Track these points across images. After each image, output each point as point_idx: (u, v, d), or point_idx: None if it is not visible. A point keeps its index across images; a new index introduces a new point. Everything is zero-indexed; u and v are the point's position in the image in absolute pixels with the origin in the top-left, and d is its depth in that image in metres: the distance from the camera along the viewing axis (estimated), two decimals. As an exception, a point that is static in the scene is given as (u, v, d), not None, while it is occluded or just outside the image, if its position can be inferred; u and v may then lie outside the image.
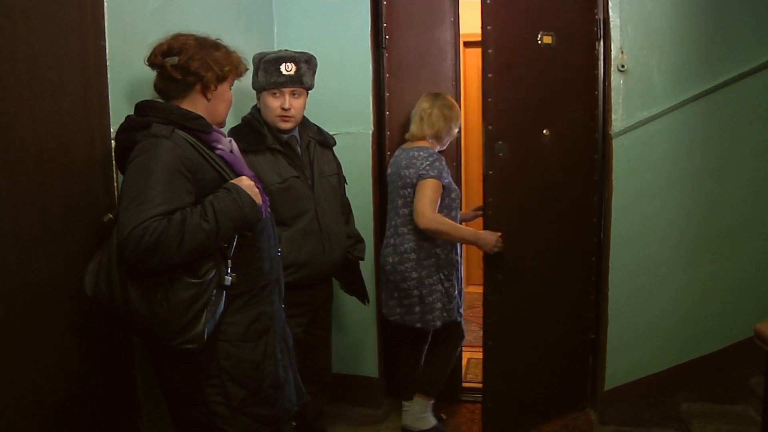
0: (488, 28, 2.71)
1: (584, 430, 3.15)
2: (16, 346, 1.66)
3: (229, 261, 1.78)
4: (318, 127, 2.70)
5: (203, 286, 1.70)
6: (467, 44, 5.12)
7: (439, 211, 2.92)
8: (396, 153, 3.13)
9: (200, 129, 1.83)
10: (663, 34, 2.91)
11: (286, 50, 2.50)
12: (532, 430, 3.17)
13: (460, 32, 3.32)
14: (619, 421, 3.13)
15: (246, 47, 2.59)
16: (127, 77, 2.13)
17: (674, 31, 2.89)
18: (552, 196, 3.06)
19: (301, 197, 2.50)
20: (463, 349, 3.57)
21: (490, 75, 2.80)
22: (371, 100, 3.23)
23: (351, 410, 3.41)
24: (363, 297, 2.89)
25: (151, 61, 1.89)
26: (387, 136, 3.34)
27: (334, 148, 2.77)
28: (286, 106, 2.45)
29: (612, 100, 2.97)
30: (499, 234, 2.85)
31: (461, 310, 3.18)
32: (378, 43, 3.26)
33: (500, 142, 2.71)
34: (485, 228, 2.88)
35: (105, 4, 2.04)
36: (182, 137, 1.76)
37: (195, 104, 1.88)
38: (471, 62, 5.36)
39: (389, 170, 3.13)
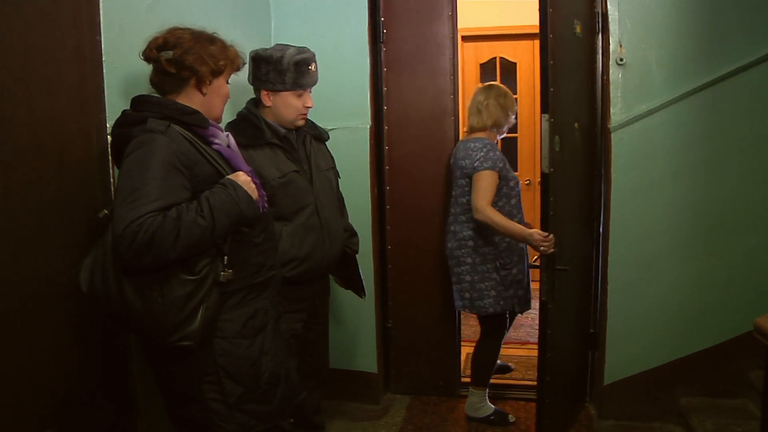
0: (550, 10, 2.51)
1: (584, 424, 3.15)
2: (13, 345, 1.66)
3: (225, 257, 1.77)
4: (311, 122, 2.69)
5: (199, 283, 1.70)
6: (465, 38, 5.14)
7: (498, 200, 2.99)
8: (457, 144, 3.19)
9: (196, 124, 1.81)
10: (662, 28, 2.90)
11: (304, 48, 2.48)
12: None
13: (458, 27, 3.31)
14: (619, 415, 3.13)
15: (243, 42, 2.56)
16: (123, 72, 2.12)
17: (673, 24, 2.88)
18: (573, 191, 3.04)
19: (301, 192, 2.48)
20: (462, 343, 3.58)
21: (552, 62, 2.54)
22: (369, 94, 3.22)
23: (349, 405, 3.41)
24: (360, 290, 2.87)
25: (146, 55, 1.87)
26: (385, 130, 3.34)
27: (326, 143, 2.76)
28: (310, 104, 2.48)
29: (611, 94, 2.96)
30: (547, 234, 2.62)
31: (528, 300, 3.21)
32: (376, 37, 3.25)
33: (557, 137, 2.63)
34: (545, 228, 2.64)
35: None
36: (178, 132, 1.74)
37: (191, 99, 1.86)
38: (468, 57, 5.37)
39: (450, 161, 3.19)
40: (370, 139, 3.24)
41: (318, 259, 2.53)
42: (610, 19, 2.92)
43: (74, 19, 1.92)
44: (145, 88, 1.94)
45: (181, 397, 1.84)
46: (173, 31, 1.88)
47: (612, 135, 2.97)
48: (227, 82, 1.95)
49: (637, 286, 3.06)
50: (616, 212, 3.03)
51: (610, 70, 2.95)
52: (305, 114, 2.50)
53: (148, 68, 1.96)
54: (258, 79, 2.46)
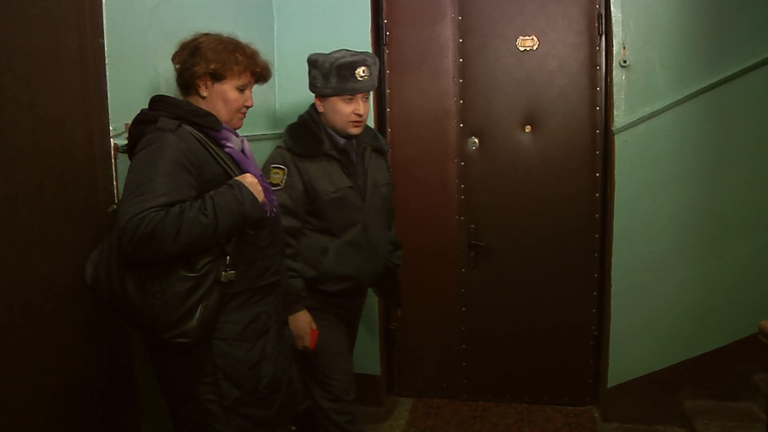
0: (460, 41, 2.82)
1: (587, 427, 3.14)
2: (16, 345, 1.66)
3: (228, 258, 1.77)
4: (374, 132, 2.63)
5: (199, 281, 1.70)
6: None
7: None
8: None
9: (209, 126, 1.82)
10: (665, 29, 2.89)
11: (356, 52, 2.41)
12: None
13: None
14: (623, 418, 3.13)
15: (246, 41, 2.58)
16: (126, 75, 2.12)
17: (676, 25, 2.87)
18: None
19: (352, 209, 2.44)
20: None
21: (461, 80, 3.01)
22: (372, 97, 3.20)
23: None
24: (396, 304, 2.85)
25: (172, 59, 1.94)
26: (388, 133, 3.33)
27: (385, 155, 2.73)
28: (361, 111, 2.39)
29: (614, 96, 2.96)
30: None
31: None
32: (378, 39, 3.25)
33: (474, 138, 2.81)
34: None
35: (103, 1, 2.03)
36: (189, 132, 1.76)
37: (197, 102, 1.89)
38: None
39: None
40: (374, 142, 3.24)
41: (361, 276, 2.52)
42: (613, 21, 2.91)
43: (77, 22, 1.92)
44: (147, 91, 1.97)
45: (180, 396, 1.85)
46: (195, 36, 1.92)
47: (616, 137, 2.97)
48: (240, 90, 1.92)
49: (642, 289, 3.05)
50: (620, 214, 3.02)
51: (614, 72, 2.95)
52: (358, 122, 2.40)
53: (150, 71, 1.97)
54: (310, 84, 2.44)
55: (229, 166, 1.83)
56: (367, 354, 3.41)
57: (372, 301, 3.30)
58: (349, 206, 2.42)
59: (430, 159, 3.34)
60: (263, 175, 1.96)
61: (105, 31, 2.04)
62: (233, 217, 1.73)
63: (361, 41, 3.18)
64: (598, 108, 3.09)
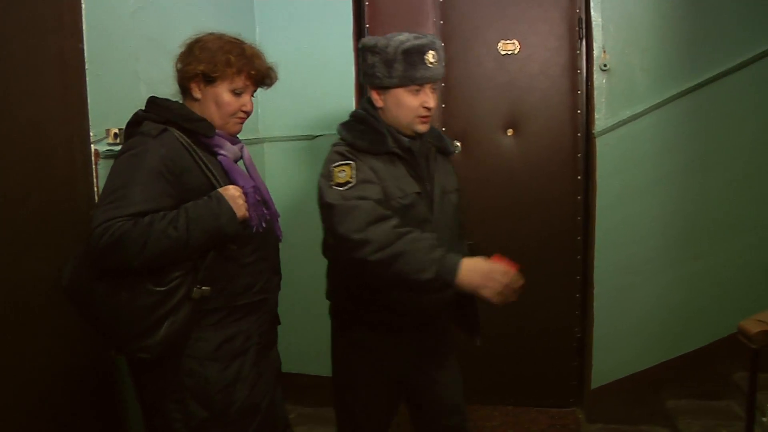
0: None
1: (572, 428, 3.15)
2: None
3: (201, 273, 1.70)
4: (438, 131, 2.23)
5: (166, 295, 1.63)
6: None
7: None
8: None
9: (199, 131, 1.75)
10: (645, 33, 2.92)
11: (419, 34, 1.99)
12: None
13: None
14: (607, 419, 3.15)
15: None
16: (106, 79, 2.10)
17: (656, 29, 2.90)
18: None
19: (419, 219, 1.99)
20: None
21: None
22: (354, 101, 3.20)
23: (330, 413, 3.37)
24: (474, 332, 2.23)
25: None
26: (370, 137, 3.32)
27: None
28: (431, 104, 1.98)
29: (595, 100, 2.98)
30: None
31: None
32: (360, 44, 3.24)
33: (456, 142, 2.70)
34: None
35: (83, 5, 2.02)
36: (175, 138, 1.70)
37: (192, 104, 1.82)
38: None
39: None
40: (356, 146, 3.22)
41: (431, 301, 2.04)
42: (593, 25, 2.94)
43: (56, 27, 1.91)
44: (128, 96, 1.94)
45: (150, 408, 1.80)
46: (198, 35, 1.85)
47: (597, 140, 2.99)
48: (235, 93, 1.81)
49: (624, 290, 3.07)
50: (602, 217, 3.04)
51: (594, 76, 2.97)
52: (426, 117, 2.00)
53: (131, 76, 1.94)
54: (365, 74, 2.04)
55: (214, 176, 1.74)
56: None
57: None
58: (416, 216, 1.99)
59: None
60: (257, 188, 1.84)
61: (85, 36, 2.03)
62: (207, 231, 1.65)
63: (344, 46, 3.17)
64: (579, 111, 3.11)
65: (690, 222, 2.98)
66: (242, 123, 1.88)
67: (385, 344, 2.06)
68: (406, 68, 1.92)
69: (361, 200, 1.84)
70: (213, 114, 1.80)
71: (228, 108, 1.81)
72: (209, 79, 1.77)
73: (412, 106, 1.96)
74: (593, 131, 3.00)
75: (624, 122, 2.95)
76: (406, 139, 2.02)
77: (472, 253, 2.05)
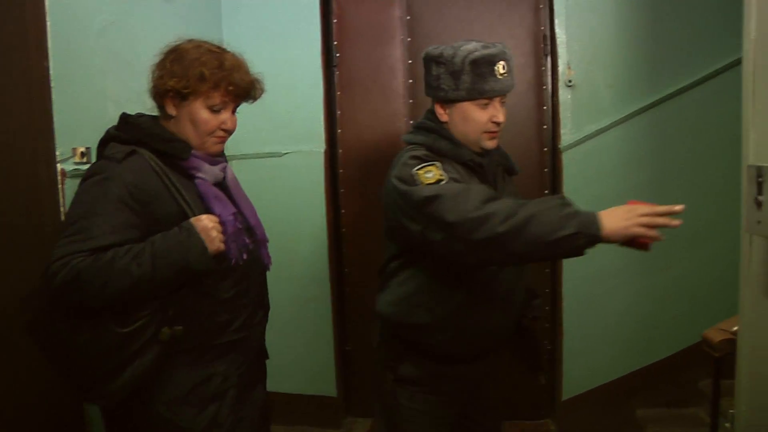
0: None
1: (544, 440, 3.18)
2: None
3: (171, 312, 1.55)
4: (503, 150, 2.03)
5: (129, 338, 1.48)
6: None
7: None
8: None
9: (172, 153, 1.59)
10: (608, 50, 2.99)
11: (488, 43, 1.82)
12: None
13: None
14: (579, 429, 3.16)
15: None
16: (73, 98, 2.08)
17: (619, 46, 2.97)
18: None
19: None
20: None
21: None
22: (323, 118, 3.21)
23: (310, 431, 3.35)
24: (536, 368, 2.11)
25: None
26: (339, 154, 3.33)
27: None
28: (501, 119, 1.82)
29: (561, 115, 3.04)
30: None
31: None
32: (329, 60, 3.25)
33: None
34: None
35: (48, 23, 1.99)
36: (144, 161, 1.55)
37: (168, 122, 1.66)
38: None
39: None
40: (325, 163, 3.23)
41: (491, 333, 1.90)
42: (558, 42, 3.00)
43: (21, 45, 1.88)
44: (94, 115, 1.90)
45: None
46: (176, 42, 1.71)
47: (563, 155, 3.04)
48: (213, 110, 1.64)
49: (593, 302, 3.11)
50: (570, 230, 3.08)
51: (560, 92, 3.03)
52: (495, 132, 1.84)
53: (98, 94, 1.90)
54: (429, 86, 1.89)
55: (188, 203, 1.57)
56: (324, 376, 3.38)
57: (327, 322, 3.28)
58: None
59: (383, 180, 3.32)
60: (238, 215, 1.69)
61: (50, 55, 2.00)
62: (174, 268, 1.49)
63: (312, 62, 3.18)
64: (545, 126, 3.16)
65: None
66: (223, 142, 1.72)
67: (447, 377, 1.88)
68: (475, 80, 1.77)
69: (465, 185, 1.65)
70: (189, 133, 1.64)
71: (205, 126, 1.64)
72: (182, 95, 1.61)
73: (480, 120, 1.81)
74: (559, 146, 3.04)
75: (589, 137, 3.01)
76: (478, 158, 1.86)
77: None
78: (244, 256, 1.66)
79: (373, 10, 3.26)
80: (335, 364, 3.37)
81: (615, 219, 1.57)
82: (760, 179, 1.32)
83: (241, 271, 1.68)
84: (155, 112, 1.70)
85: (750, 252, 1.53)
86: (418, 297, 1.83)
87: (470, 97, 1.79)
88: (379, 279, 2.00)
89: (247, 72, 1.70)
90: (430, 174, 1.70)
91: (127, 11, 2.40)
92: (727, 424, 1.69)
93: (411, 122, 3.24)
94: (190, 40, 1.69)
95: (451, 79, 1.79)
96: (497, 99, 1.81)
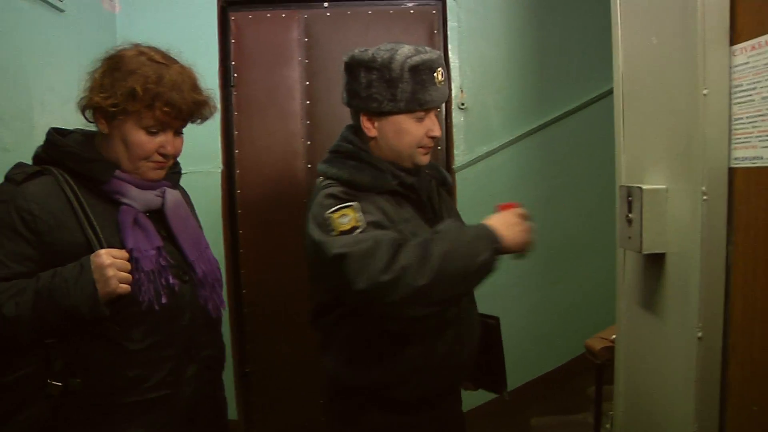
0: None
1: (444, 454, 3.22)
2: None
3: (61, 361, 1.32)
4: (432, 162, 1.78)
5: (7, 391, 1.28)
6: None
7: None
8: None
9: (89, 175, 1.39)
10: (498, 75, 3.14)
11: (419, 47, 1.59)
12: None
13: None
14: (476, 441, 3.25)
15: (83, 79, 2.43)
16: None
17: (508, 71, 3.13)
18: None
19: None
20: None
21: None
22: (220, 138, 3.18)
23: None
24: (499, 385, 1.88)
25: None
26: (237, 174, 3.30)
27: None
28: (437, 133, 1.61)
29: (454, 137, 3.15)
30: None
31: None
32: (226, 81, 3.23)
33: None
34: None
35: None
36: (52, 183, 1.36)
37: (102, 141, 1.45)
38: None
39: None
40: (223, 183, 3.20)
41: (453, 365, 1.66)
42: (451, 66, 3.12)
43: None
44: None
45: None
46: (117, 48, 1.49)
47: (456, 175, 3.15)
48: (149, 132, 1.43)
49: (488, 317, 3.21)
50: (465, 247, 3.18)
51: (453, 114, 3.14)
52: (429, 148, 1.63)
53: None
54: (355, 96, 1.61)
55: (96, 234, 1.35)
56: (223, 400, 3.29)
57: (225, 344, 3.21)
58: None
59: (281, 200, 3.34)
60: (167, 249, 1.47)
61: None
62: (57, 311, 1.27)
63: (209, 82, 3.09)
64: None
65: (547, 249, 3.19)
66: (162, 168, 1.49)
67: (412, 427, 1.65)
68: (415, 89, 1.53)
69: (376, 234, 1.45)
70: (121, 155, 1.43)
71: (138, 150, 1.42)
72: (109, 114, 1.40)
73: (416, 135, 1.58)
74: (453, 166, 3.15)
75: (481, 158, 3.13)
76: (403, 174, 1.62)
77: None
78: (163, 300, 1.40)
79: (272, 32, 3.27)
80: (234, 386, 3.31)
81: (505, 227, 1.50)
82: (630, 198, 1.43)
83: (161, 318, 1.42)
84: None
85: (624, 265, 1.64)
86: (371, 353, 1.61)
87: (409, 109, 1.55)
88: (316, 330, 1.75)
89: (191, 89, 1.49)
90: (346, 219, 1.49)
91: (13, 22, 2.29)
92: (608, 425, 1.79)
93: (308, 143, 3.27)
94: (135, 45, 1.47)
95: (387, 87, 1.53)
96: (432, 111, 1.61)
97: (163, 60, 1.46)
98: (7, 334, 1.26)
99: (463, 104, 3.12)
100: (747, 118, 1.15)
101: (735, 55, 1.18)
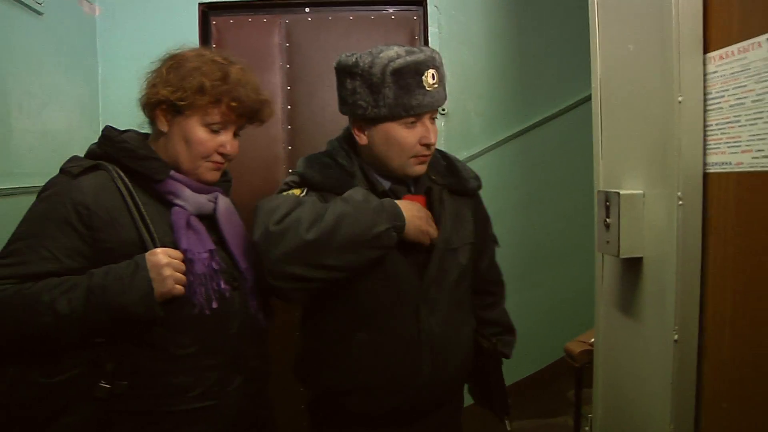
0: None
1: (426, 458, 3.23)
2: None
3: (112, 364, 1.28)
4: (448, 161, 1.70)
5: (55, 390, 1.23)
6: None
7: None
8: None
9: (144, 173, 1.37)
10: (479, 81, 3.17)
11: (412, 48, 1.49)
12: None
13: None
14: (456, 446, 3.26)
15: (68, 87, 2.43)
16: None
17: (488, 78, 3.17)
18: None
19: (392, 281, 1.52)
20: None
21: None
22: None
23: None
24: (502, 410, 1.86)
25: None
26: (219, 179, 3.28)
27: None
28: (432, 140, 1.50)
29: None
30: None
31: None
32: (207, 85, 3.22)
33: None
34: None
35: None
36: (107, 178, 1.34)
37: (158, 141, 1.44)
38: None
39: None
40: (206, 189, 3.18)
41: (405, 388, 1.55)
42: (432, 72, 3.13)
43: None
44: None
45: None
46: (180, 49, 1.48)
47: (438, 179, 3.16)
48: (211, 130, 1.42)
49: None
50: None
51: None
52: (425, 156, 1.53)
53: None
54: (344, 102, 1.55)
55: (150, 233, 1.32)
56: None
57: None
58: (386, 278, 1.52)
59: (263, 204, 3.33)
60: (219, 253, 1.44)
61: None
62: (109, 310, 1.23)
63: (189, 87, 3.13)
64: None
65: (528, 253, 3.22)
66: (219, 170, 1.48)
67: None
68: (399, 94, 1.44)
69: (302, 199, 1.45)
70: (180, 154, 1.41)
71: (199, 148, 1.41)
72: (176, 109, 1.39)
73: (407, 143, 1.48)
74: (434, 171, 3.16)
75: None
76: (387, 183, 1.56)
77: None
78: (214, 305, 1.37)
79: (253, 37, 3.27)
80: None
81: (409, 212, 1.45)
82: (607, 203, 1.44)
83: (209, 324, 1.38)
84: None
85: (602, 269, 1.66)
86: (322, 352, 1.58)
87: (393, 116, 1.46)
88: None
89: (255, 89, 1.47)
90: (290, 195, 1.52)
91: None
92: (587, 428, 1.81)
93: (290, 148, 3.27)
94: (193, 49, 1.46)
95: (370, 93, 1.46)
96: (426, 116, 1.50)
97: (224, 60, 1.45)
98: (58, 333, 1.22)
99: (444, 110, 3.14)
100: (716, 125, 1.18)
101: (708, 64, 1.20)
